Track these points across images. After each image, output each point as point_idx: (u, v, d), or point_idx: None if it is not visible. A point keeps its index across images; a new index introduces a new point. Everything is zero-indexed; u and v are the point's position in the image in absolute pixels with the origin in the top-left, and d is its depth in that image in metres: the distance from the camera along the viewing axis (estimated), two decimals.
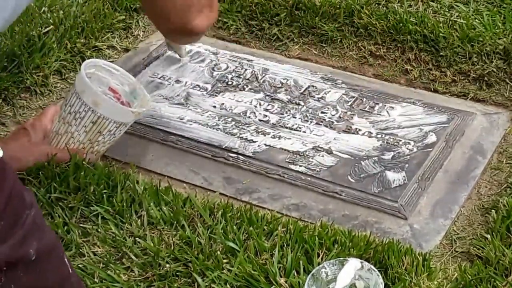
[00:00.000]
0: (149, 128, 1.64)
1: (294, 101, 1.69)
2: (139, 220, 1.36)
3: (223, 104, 1.69)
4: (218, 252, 1.27)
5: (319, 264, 1.22)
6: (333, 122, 1.62)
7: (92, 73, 1.50)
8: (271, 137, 1.59)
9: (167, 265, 1.27)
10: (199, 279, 1.24)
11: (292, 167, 1.52)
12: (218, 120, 1.64)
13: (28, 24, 1.85)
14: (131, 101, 1.54)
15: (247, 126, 1.63)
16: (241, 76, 1.78)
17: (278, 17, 1.90)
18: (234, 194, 1.48)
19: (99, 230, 1.35)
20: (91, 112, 1.44)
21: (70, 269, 0.99)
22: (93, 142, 1.47)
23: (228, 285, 1.23)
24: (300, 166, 1.52)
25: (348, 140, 1.57)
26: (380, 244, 1.28)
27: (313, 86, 1.73)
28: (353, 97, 1.69)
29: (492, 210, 1.37)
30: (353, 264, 1.17)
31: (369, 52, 1.81)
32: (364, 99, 1.68)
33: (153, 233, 1.33)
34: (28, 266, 0.91)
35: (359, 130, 1.60)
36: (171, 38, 1.68)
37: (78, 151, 1.46)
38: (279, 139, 1.59)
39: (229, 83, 1.76)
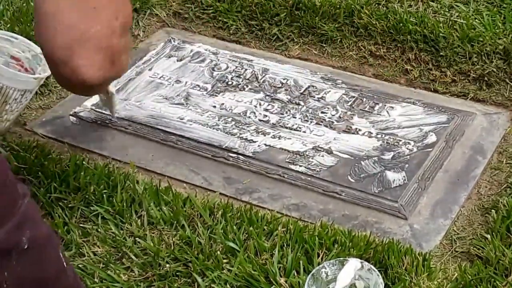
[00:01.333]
0: (149, 128, 1.64)
1: (294, 101, 1.69)
2: (139, 220, 1.36)
3: (223, 104, 1.69)
4: (218, 252, 1.27)
5: (319, 264, 1.22)
6: (333, 122, 1.62)
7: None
8: (271, 137, 1.59)
9: (167, 265, 1.27)
10: (199, 279, 1.24)
11: (292, 167, 1.52)
12: (218, 120, 1.64)
13: (28, 24, 1.84)
14: (34, 66, 1.55)
15: (247, 126, 1.63)
16: (241, 76, 1.78)
17: (278, 17, 1.90)
18: (234, 194, 1.48)
19: (99, 230, 1.35)
20: None
21: (65, 264, 0.99)
22: (1, 112, 1.49)
23: (228, 285, 1.23)
24: (300, 166, 1.52)
25: (348, 140, 1.57)
26: (380, 244, 1.28)
27: (313, 86, 1.73)
28: (353, 97, 1.69)
29: (492, 210, 1.37)
30: (353, 264, 1.17)
31: (369, 52, 1.81)
32: (364, 99, 1.68)
33: (153, 233, 1.33)
34: (22, 255, 0.91)
35: (359, 130, 1.60)
36: (55, 77, 1.12)
37: None
38: (279, 139, 1.59)
39: (229, 83, 1.76)
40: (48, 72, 1.48)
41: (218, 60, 1.84)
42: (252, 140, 1.59)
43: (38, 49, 1.55)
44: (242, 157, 1.55)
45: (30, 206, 0.94)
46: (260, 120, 1.64)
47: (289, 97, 1.71)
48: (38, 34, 0.97)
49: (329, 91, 1.71)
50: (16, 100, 1.48)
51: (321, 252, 1.26)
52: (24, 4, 1.95)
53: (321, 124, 1.62)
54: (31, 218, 0.94)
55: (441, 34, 1.74)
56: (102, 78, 1.00)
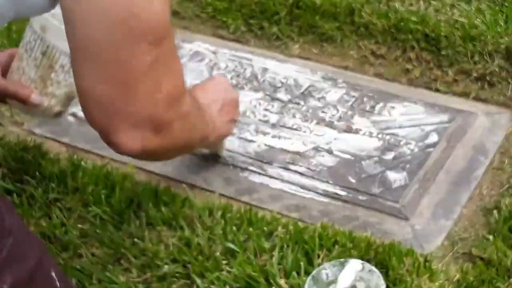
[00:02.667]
0: None
1: (294, 101, 1.68)
2: (137, 220, 1.36)
3: None
4: (218, 253, 1.27)
5: (319, 265, 1.22)
6: (333, 122, 1.62)
7: (59, 15, 1.37)
8: (271, 137, 1.59)
9: (166, 266, 1.26)
10: (198, 281, 1.24)
11: (292, 167, 1.51)
12: None
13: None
14: None
15: (247, 126, 1.62)
16: (241, 76, 1.77)
17: (278, 16, 1.90)
18: (233, 195, 1.47)
19: (97, 231, 1.34)
20: (40, 40, 1.27)
21: (57, 283, 0.93)
22: (46, 81, 1.31)
23: (227, 287, 1.22)
24: (301, 166, 1.51)
25: (348, 140, 1.57)
26: (381, 245, 1.27)
27: (313, 86, 1.73)
28: (354, 96, 1.68)
29: (494, 211, 1.36)
30: (354, 265, 1.16)
31: (370, 51, 1.80)
32: (365, 99, 1.68)
33: (151, 234, 1.33)
34: None
35: (360, 130, 1.59)
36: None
37: (25, 89, 1.30)
38: (279, 139, 1.58)
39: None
40: None
41: (218, 59, 1.83)
42: (252, 140, 1.58)
43: None
44: (242, 157, 1.54)
45: (16, 241, 0.87)
46: (260, 120, 1.63)
47: (289, 96, 1.70)
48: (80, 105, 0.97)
49: (330, 90, 1.71)
50: (64, 68, 1.29)
51: (322, 253, 1.26)
52: None
53: (321, 124, 1.61)
54: (14, 258, 0.87)
55: (442, 33, 1.73)
56: (144, 150, 0.98)
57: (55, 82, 1.31)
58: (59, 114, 1.38)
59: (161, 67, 0.94)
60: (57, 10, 1.24)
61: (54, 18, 1.26)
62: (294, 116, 1.64)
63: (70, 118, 1.67)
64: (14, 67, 1.32)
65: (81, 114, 1.67)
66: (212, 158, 1.52)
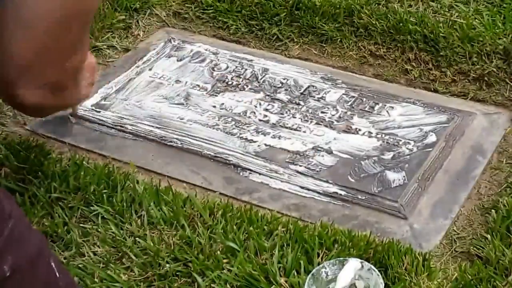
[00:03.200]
0: (149, 128, 1.64)
1: (294, 101, 1.69)
2: (139, 220, 1.36)
3: (223, 104, 1.69)
4: (218, 252, 1.27)
5: (319, 264, 1.22)
6: (333, 122, 1.62)
7: None
8: (271, 137, 1.59)
9: (167, 265, 1.27)
10: (199, 279, 1.24)
11: (292, 167, 1.52)
12: (218, 120, 1.64)
13: None
14: None
15: (247, 126, 1.63)
16: (241, 76, 1.78)
17: (278, 17, 1.90)
18: (234, 194, 1.48)
19: (99, 230, 1.35)
20: None
21: (57, 274, 0.94)
22: None
23: (228, 285, 1.23)
24: (300, 166, 1.52)
25: (348, 140, 1.57)
26: (380, 244, 1.28)
27: (313, 86, 1.73)
28: (353, 97, 1.69)
29: (492, 210, 1.37)
30: (353, 264, 1.17)
31: (369, 52, 1.81)
32: (364, 99, 1.68)
33: (153, 233, 1.33)
34: (4, 282, 0.87)
35: (359, 130, 1.60)
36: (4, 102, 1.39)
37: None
38: (279, 139, 1.59)
39: (229, 83, 1.76)
40: None
41: (218, 60, 1.84)
42: (252, 140, 1.59)
43: None
44: (242, 157, 1.55)
45: (15, 225, 0.89)
46: (260, 120, 1.64)
47: (289, 97, 1.70)
48: None
49: (329, 91, 1.71)
50: None
51: (321, 252, 1.26)
52: None
53: (321, 124, 1.62)
54: (16, 240, 0.89)
55: (441, 34, 1.74)
56: (40, 104, 1.12)
57: None
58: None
59: (79, 43, 1.09)
60: None
61: None
62: (294, 116, 1.64)
63: (72, 118, 1.68)
64: None
65: (82, 114, 1.68)
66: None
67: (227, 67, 1.81)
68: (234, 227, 1.32)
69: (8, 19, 1.01)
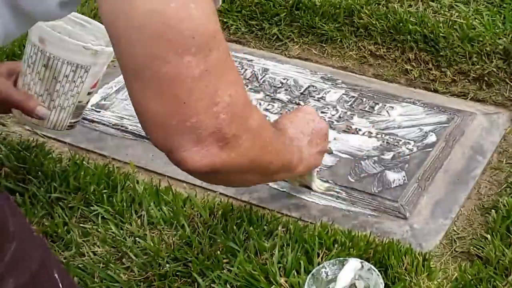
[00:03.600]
0: None
1: (294, 101, 1.69)
2: (139, 220, 1.36)
3: None
4: (218, 252, 1.27)
5: (319, 264, 1.22)
6: (333, 122, 1.62)
7: (60, 27, 1.28)
8: None
9: (167, 265, 1.27)
10: (199, 279, 1.24)
11: None
12: None
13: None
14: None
15: None
16: (241, 76, 1.78)
17: (278, 17, 1.90)
18: (234, 194, 1.48)
19: (99, 230, 1.35)
20: (40, 53, 1.23)
21: (60, 284, 0.91)
22: (52, 93, 1.26)
23: (228, 285, 1.23)
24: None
25: (348, 140, 1.57)
26: (380, 244, 1.28)
27: (313, 86, 1.73)
28: (353, 97, 1.69)
29: (492, 210, 1.37)
30: (353, 264, 1.16)
31: (369, 52, 1.81)
32: (364, 99, 1.68)
33: (153, 233, 1.33)
34: None
35: (359, 130, 1.60)
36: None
37: (31, 102, 1.27)
38: None
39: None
40: (108, 49, 1.23)
41: None
42: None
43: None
44: None
45: (19, 245, 0.85)
46: None
47: (289, 97, 1.71)
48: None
49: (329, 91, 1.71)
50: (68, 78, 1.24)
51: (321, 252, 1.26)
52: None
53: None
54: (18, 262, 0.85)
55: (441, 34, 1.74)
56: (213, 164, 0.92)
57: (62, 94, 1.27)
58: (71, 127, 1.34)
59: (213, 78, 0.89)
60: (58, 21, 1.21)
61: (53, 29, 1.24)
62: None
63: None
64: (19, 85, 1.29)
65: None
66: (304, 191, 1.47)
67: None
68: (234, 227, 1.32)
69: None
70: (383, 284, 1.16)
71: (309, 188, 1.45)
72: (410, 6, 1.86)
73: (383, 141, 1.56)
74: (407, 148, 1.54)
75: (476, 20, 1.78)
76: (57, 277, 0.91)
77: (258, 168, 1.04)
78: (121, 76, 1.80)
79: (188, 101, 0.88)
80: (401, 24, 1.78)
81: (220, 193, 1.47)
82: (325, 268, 1.17)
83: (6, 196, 0.88)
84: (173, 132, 0.90)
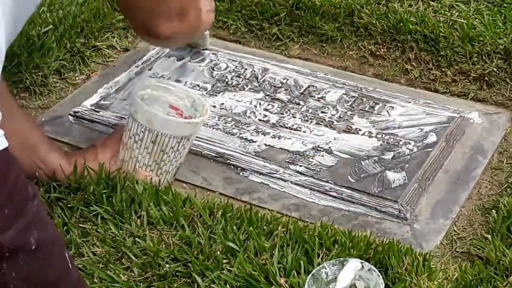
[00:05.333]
0: None
1: (294, 101, 1.69)
2: (138, 220, 1.36)
3: (223, 104, 1.69)
4: (218, 252, 1.27)
5: (319, 264, 1.22)
6: (333, 122, 1.62)
7: (148, 94, 1.46)
8: (271, 137, 1.59)
9: (167, 265, 1.27)
10: (199, 279, 1.24)
11: (292, 167, 1.51)
12: (218, 120, 1.64)
13: (28, 24, 1.84)
14: (193, 114, 1.47)
15: (247, 126, 1.62)
16: (241, 76, 1.78)
17: (278, 16, 1.90)
18: (234, 194, 1.48)
19: (98, 230, 1.34)
20: (148, 132, 1.38)
21: (70, 265, 1.00)
22: (159, 163, 1.42)
23: (228, 285, 1.23)
24: (300, 166, 1.51)
25: (348, 140, 1.57)
26: (380, 244, 1.28)
27: (313, 86, 1.73)
28: (353, 97, 1.69)
29: (493, 210, 1.37)
30: (353, 265, 1.16)
31: (369, 52, 1.81)
32: (364, 99, 1.68)
33: (152, 233, 1.33)
34: (29, 255, 0.93)
35: (359, 130, 1.60)
36: (142, 38, 1.69)
37: (141, 174, 1.43)
38: (279, 139, 1.58)
39: (229, 82, 1.76)
40: (203, 116, 1.43)
41: (218, 59, 1.83)
42: (252, 140, 1.59)
43: (195, 95, 1.48)
44: (242, 156, 1.55)
45: (39, 207, 0.95)
46: (260, 120, 1.64)
47: (289, 97, 1.70)
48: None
49: (329, 91, 1.71)
50: (174, 148, 1.41)
51: (321, 252, 1.26)
52: None
53: (321, 124, 1.62)
54: (40, 219, 0.96)
55: (441, 34, 1.74)
56: (174, 33, 1.35)
57: (168, 162, 1.43)
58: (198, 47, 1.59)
59: None
60: (145, 90, 1.47)
61: (155, 109, 1.42)
62: (294, 116, 1.64)
63: (72, 118, 1.68)
64: (125, 157, 1.43)
65: (81, 113, 1.68)
66: (199, 53, 1.84)
67: (227, 67, 1.81)
68: (234, 227, 1.32)
69: None
70: (383, 285, 1.16)
71: (197, 47, 1.83)
72: (411, 5, 1.86)
73: (383, 141, 1.56)
74: (407, 148, 1.54)
75: (477, 19, 1.78)
76: (67, 257, 1.00)
77: (190, 33, 1.47)
78: (121, 76, 1.81)
79: None
80: (401, 23, 1.78)
81: (220, 193, 1.47)
82: (325, 269, 1.17)
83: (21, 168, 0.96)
84: (154, 15, 1.32)
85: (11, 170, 0.92)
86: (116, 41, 1.92)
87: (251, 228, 1.31)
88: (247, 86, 1.74)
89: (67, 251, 1.01)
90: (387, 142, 1.56)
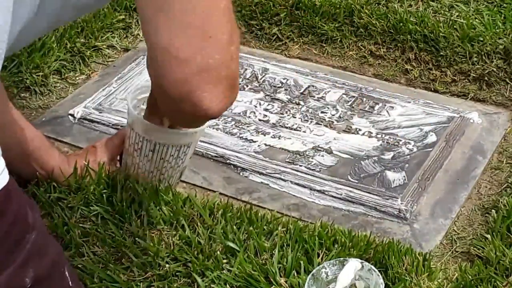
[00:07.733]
0: None
1: (294, 101, 1.69)
2: (138, 220, 1.36)
3: None
4: (218, 252, 1.27)
5: (319, 264, 1.22)
6: (333, 122, 1.62)
7: (144, 100, 1.42)
8: (271, 137, 1.59)
9: (167, 265, 1.27)
10: (199, 279, 1.24)
11: (292, 167, 1.52)
12: (218, 120, 1.64)
13: None
14: None
15: (247, 126, 1.62)
16: (241, 76, 1.78)
17: (278, 16, 1.90)
18: (234, 194, 1.48)
19: (98, 230, 1.34)
20: (146, 141, 1.36)
21: (70, 283, 0.96)
22: (161, 169, 1.40)
23: (228, 285, 1.23)
24: (300, 166, 1.52)
25: (348, 140, 1.57)
26: (380, 244, 1.28)
27: (313, 86, 1.73)
28: (353, 97, 1.69)
29: (492, 210, 1.37)
30: (353, 264, 1.16)
31: (369, 52, 1.81)
32: (364, 99, 1.68)
33: (152, 233, 1.33)
34: None
35: (359, 130, 1.60)
36: (173, 114, 1.12)
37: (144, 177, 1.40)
38: (279, 139, 1.59)
39: None
40: (200, 127, 1.34)
41: None
42: (252, 140, 1.59)
43: None
44: (242, 157, 1.55)
45: (38, 237, 0.89)
46: (260, 120, 1.64)
47: (289, 97, 1.70)
48: (151, 69, 0.90)
49: (329, 91, 1.71)
50: (174, 156, 1.38)
51: (321, 252, 1.26)
52: None
53: (321, 124, 1.62)
54: (37, 252, 0.89)
55: (441, 34, 1.74)
56: (225, 107, 0.93)
57: (170, 168, 1.40)
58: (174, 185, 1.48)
59: (232, 15, 0.86)
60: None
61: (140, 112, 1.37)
62: (294, 116, 1.64)
63: (72, 118, 1.68)
64: (128, 163, 1.42)
65: (82, 114, 1.68)
66: None
67: None
68: (234, 227, 1.32)
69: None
70: (383, 285, 1.16)
71: None
72: (410, 6, 1.86)
73: (383, 141, 1.56)
74: (407, 148, 1.54)
75: (476, 20, 1.78)
76: (67, 275, 0.95)
77: None
78: (121, 76, 1.81)
79: (215, 35, 0.85)
80: (401, 24, 1.78)
81: (220, 193, 1.47)
82: (325, 268, 1.17)
83: (23, 191, 0.92)
84: (195, 69, 0.86)
85: (10, 204, 0.85)
86: (116, 41, 1.92)
87: (251, 228, 1.31)
88: (247, 86, 1.75)
89: (67, 268, 0.96)
90: (387, 142, 1.56)
